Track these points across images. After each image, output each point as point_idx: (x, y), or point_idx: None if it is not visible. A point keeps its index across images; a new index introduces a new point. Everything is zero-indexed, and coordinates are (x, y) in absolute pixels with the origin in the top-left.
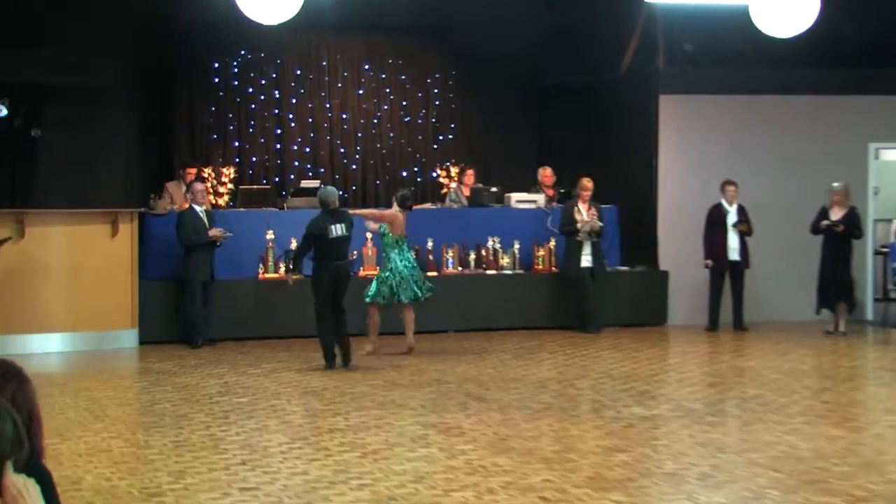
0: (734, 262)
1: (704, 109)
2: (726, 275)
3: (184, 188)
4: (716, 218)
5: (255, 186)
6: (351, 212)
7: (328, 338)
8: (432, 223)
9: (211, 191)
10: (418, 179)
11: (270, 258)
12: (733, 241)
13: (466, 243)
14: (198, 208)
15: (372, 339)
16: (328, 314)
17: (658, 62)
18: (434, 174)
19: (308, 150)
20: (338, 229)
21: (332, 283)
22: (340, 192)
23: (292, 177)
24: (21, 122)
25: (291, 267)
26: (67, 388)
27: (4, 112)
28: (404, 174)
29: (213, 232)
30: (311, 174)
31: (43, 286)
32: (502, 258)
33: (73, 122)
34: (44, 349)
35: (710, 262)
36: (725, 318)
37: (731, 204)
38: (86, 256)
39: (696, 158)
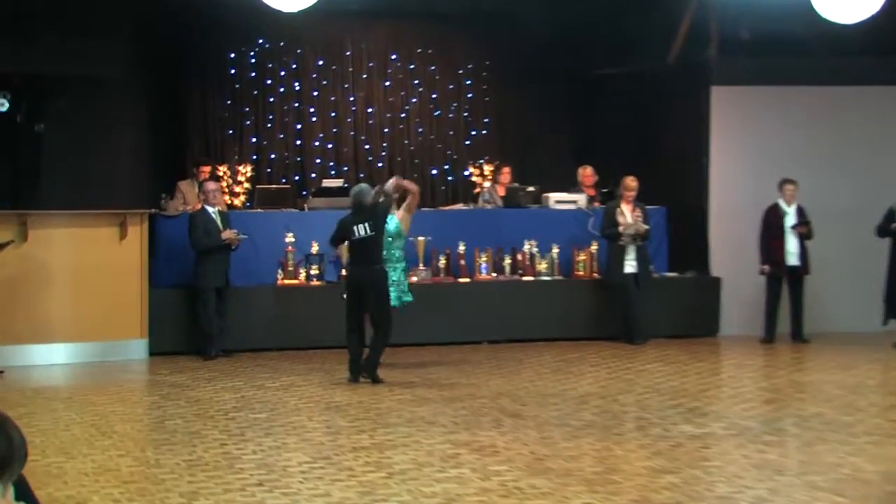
0: (793, 268)
1: (760, 102)
2: (784, 281)
3: (197, 187)
4: (773, 220)
5: (274, 186)
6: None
7: (352, 349)
8: (464, 225)
9: (226, 190)
10: (449, 178)
11: (290, 263)
12: (792, 244)
13: (501, 247)
14: (210, 209)
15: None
16: (353, 324)
17: (711, 51)
18: (466, 173)
19: (330, 146)
20: (360, 230)
21: (352, 289)
22: None
23: (313, 175)
24: (23, 117)
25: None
26: (73, 403)
27: (6, 106)
28: (434, 172)
29: (227, 234)
30: (333, 172)
31: (46, 293)
32: (540, 263)
33: (78, 117)
34: (47, 361)
35: (766, 267)
36: (783, 328)
37: (789, 204)
38: (92, 261)
39: (752, 155)
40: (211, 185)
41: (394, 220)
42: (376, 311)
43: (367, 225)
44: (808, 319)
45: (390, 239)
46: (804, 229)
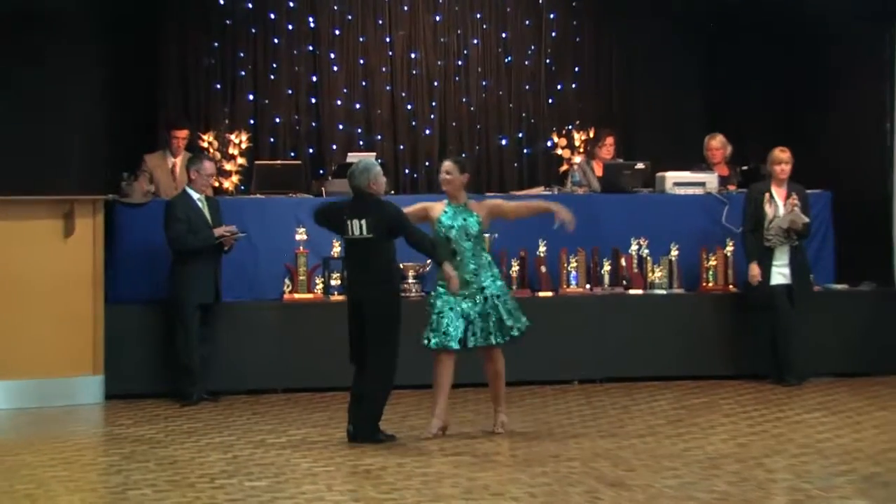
0: None
1: None
2: None
3: (171, 161)
4: None
5: (279, 162)
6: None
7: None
8: (546, 218)
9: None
10: (525, 151)
11: (302, 270)
12: None
13: (599, 248)
14: (194, 194)
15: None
16: (355, 362)
17: None
18: (549, 143)
19: (358, 106)
20: (356, 227)
21: (350, 313)
22: (408, 173)
23: (334, 147)
24: None
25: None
26: (0, 466)
27: None
28: (503, 143)
29: (221, 231)
30: (362, 143)
31: None
32: (653, 271)
33: (11, 65)
34: None
35: None
36: None
37: None
38: (25, 267)
39: None
40: (209, 167)
41: (473, 217)
42: (373, 344)
43: (363, 223)
44: None
45: (470, 243)
46: None
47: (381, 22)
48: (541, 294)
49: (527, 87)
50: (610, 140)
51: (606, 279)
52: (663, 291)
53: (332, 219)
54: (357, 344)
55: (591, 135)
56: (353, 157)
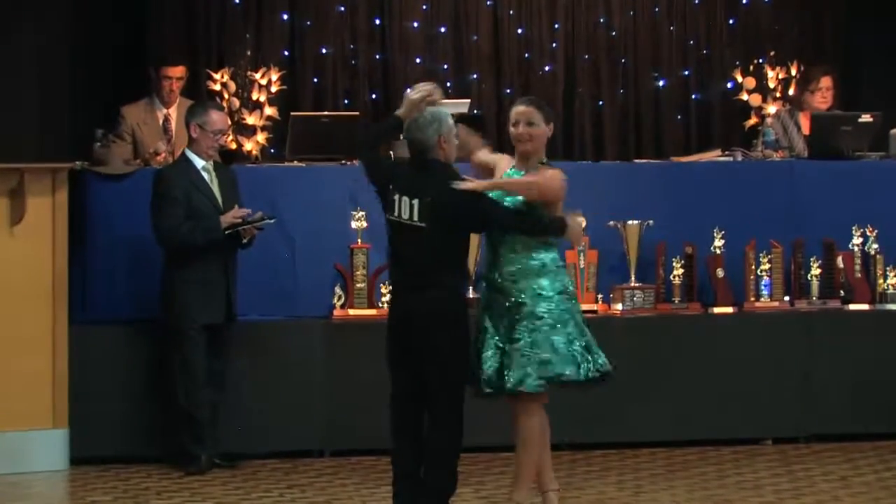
0: None
1: None
2: None
3: (161, 113)
4: None
5: (326, 113)
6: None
7: (397, 460)
8: (725, 196)
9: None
10: (694, 97)
11: (360, 274)
12: None
13: (804, 242)
14: (198, 161)
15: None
16: (398, 411)
17: None
18: (729, 85)
19: (444, 30)
20: (405, 206)
21: (393, 335)
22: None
23: (408, 90)
24: None
25: None
26: None
27: None
28: (660, 84)
29: (233, 216)
30: (449, 84)
31: None
32: (885, 276)
33: None
34: None
35: None
36: None
37: None
38: None
39: None
40: (217, 120)
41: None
42: (435, 386)
43: (417, 203)
44: None
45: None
46: None
47: None
48: (716, 310)
49: (695, 1)
50: (826, 81)
51: (815, 288)
52: None
53: (378, 176)
54: (402, 386)
55: (795, 73)
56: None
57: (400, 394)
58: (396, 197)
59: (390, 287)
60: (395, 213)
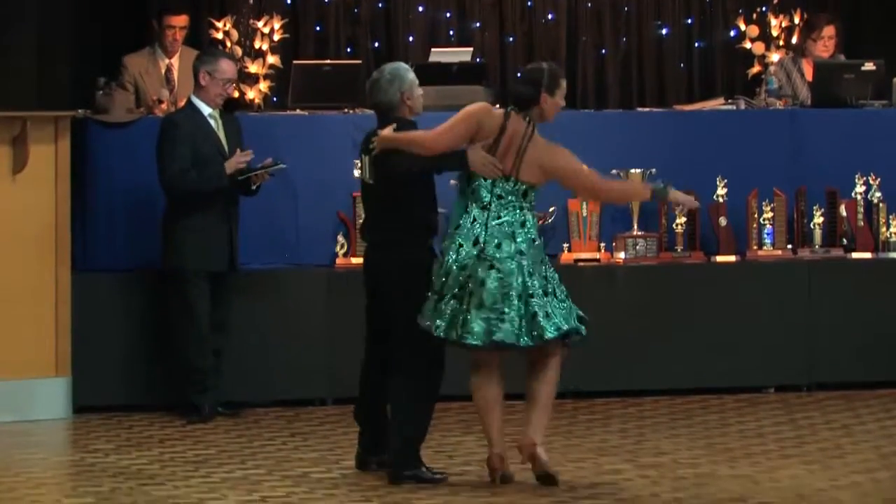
0: None
1: None
2: None
3: (164, 62)
4: None
5: (329, 62)
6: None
7: (362, 403)
8: (727, 145)
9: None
10: (697, 44)
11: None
12: None
13: (806, 190)
14: (205, 108)
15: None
16: (368, 353)
17: None
18: (732, 33)
19: None
20: (365, 166)
21: (367, 287)
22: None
23: (411, 38)
24: None
25: None
26: None
27: None
28: (664, 32)
29: (236, 160)
30: (452, 33)
31: None
32: (888, 225)
33: None
34: None
35: None
36: None
37: None
38: None
39: None
40: (227, 68)
41: None
42: (396, 332)
43: (367, 161)
44: None
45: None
46: None
47: None
48: (719, 259)
49: None
50: (829, 30)
51: (818, 237)
52: None
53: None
54: (373, 331)
55: (798, 21)
56: (438, 54)
57: (369, 333)
58: (361, 157)
59: (362, 239)
60: (360, 174)
